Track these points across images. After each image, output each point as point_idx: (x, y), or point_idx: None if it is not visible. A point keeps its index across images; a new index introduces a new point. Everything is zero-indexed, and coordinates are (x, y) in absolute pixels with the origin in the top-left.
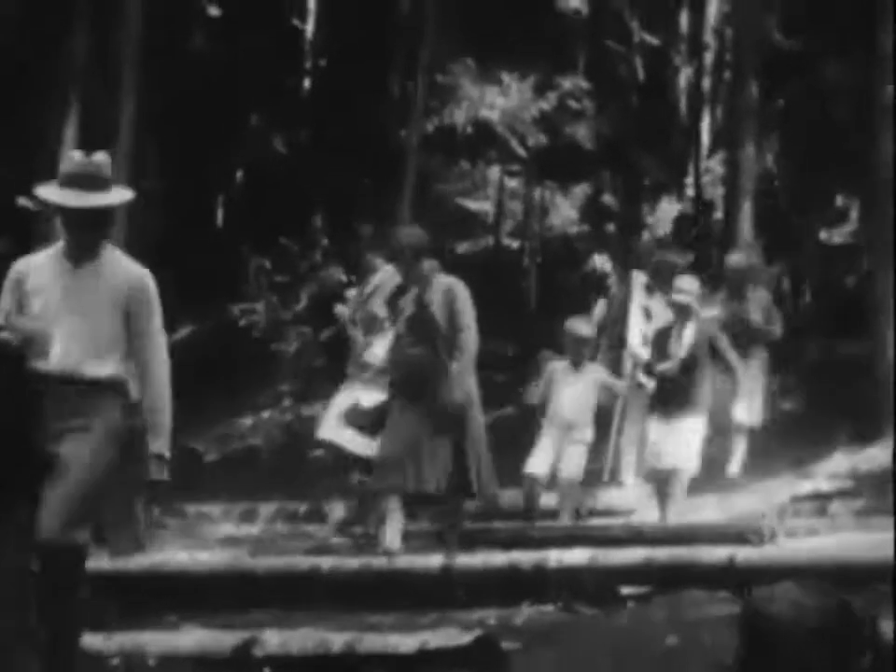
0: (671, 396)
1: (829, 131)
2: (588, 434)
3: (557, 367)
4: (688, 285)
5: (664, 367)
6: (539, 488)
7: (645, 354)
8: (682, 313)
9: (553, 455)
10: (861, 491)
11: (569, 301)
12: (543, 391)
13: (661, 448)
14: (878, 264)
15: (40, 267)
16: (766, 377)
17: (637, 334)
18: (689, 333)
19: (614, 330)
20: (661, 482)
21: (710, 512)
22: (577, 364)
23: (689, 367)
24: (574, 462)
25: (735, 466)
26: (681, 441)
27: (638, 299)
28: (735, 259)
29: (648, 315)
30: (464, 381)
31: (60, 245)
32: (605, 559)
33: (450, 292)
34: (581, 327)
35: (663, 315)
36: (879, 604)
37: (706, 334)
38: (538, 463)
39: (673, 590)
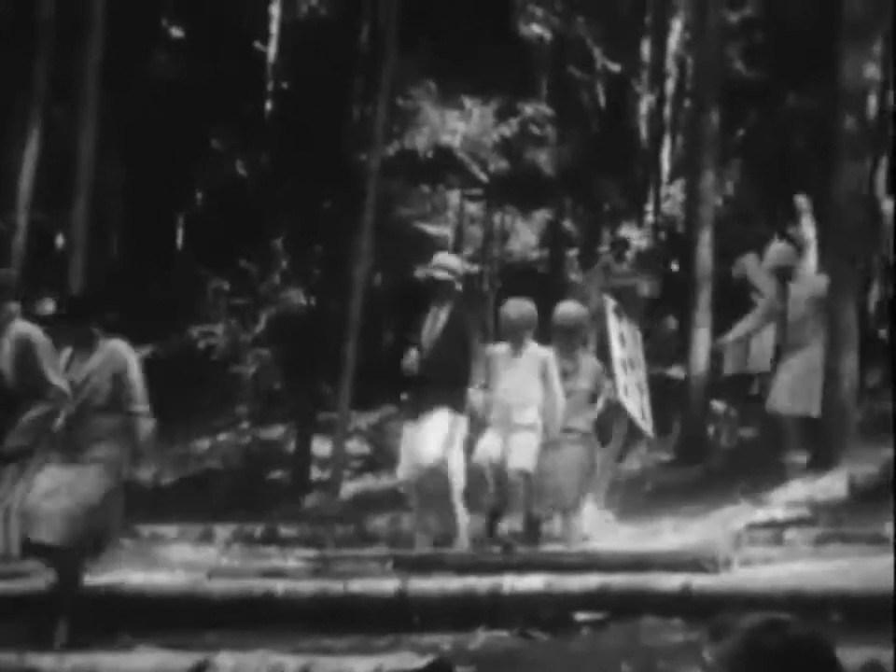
0: None
1: (788, 160)
2: (532, 417)
3: (496, 353)
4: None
5: None
6: (487, 477)
7: (625, 380)
8: None
9: (500, 445)
10: (818, 519)
11: None
12: (487, 384)
13: None
14: (837, 293)
15: None
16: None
17: (619, 361)
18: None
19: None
20: None
21: (666, 539)
22: (516, 347)
23: None
24: (523, 450)
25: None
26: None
27: (614, 325)
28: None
29: (623, 340)
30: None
31: None
32: (560, 585)
33: (21, 342)
34: (515, 307)
35: (631, 341)
36: (834, 633)
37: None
38: (484, 451)
39: (628, 617)
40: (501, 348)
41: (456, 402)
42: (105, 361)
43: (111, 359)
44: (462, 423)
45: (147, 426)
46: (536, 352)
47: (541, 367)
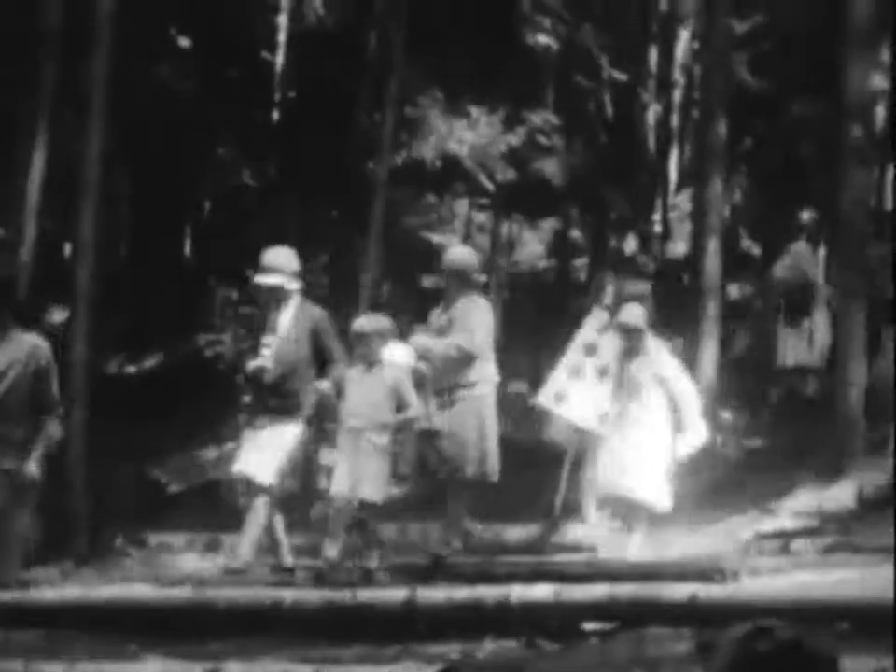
0: None
1: (795, 170)
2: (384, 440)
3: (350, 371)
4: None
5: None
6: (347, 509)
7: (566, 385)
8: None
9: (352, 471)
10: (825, 529)
11: (536, 336)
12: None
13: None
14: (843, 303)
15: None
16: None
17: (566, 367)
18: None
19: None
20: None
21: (674, 549)
22: (368, 363)
23: None
24: (374, 480)
25: None
26: None
27: (587, 333)
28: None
29: (592, 350)
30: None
31: None
32: (568, 595)
33: (36, 354)
34: (362, 322)
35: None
36: (842, 643)
37: None
38: (340, 481)
39: (636, 626)
40: (355, 368)
41: (294, 415)
42: (29, 355)
43: (34, 355)
44: (293, 442)
45: (56, 431)
46: (389, 368)
47: (395, 382)
